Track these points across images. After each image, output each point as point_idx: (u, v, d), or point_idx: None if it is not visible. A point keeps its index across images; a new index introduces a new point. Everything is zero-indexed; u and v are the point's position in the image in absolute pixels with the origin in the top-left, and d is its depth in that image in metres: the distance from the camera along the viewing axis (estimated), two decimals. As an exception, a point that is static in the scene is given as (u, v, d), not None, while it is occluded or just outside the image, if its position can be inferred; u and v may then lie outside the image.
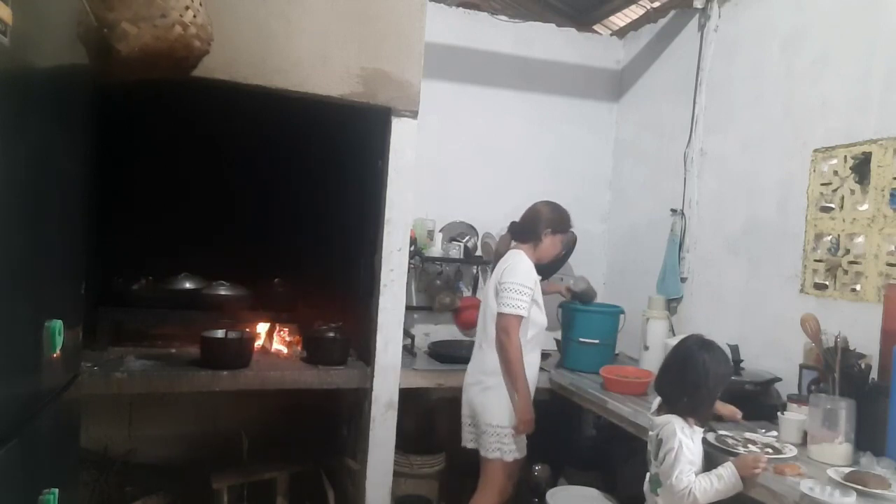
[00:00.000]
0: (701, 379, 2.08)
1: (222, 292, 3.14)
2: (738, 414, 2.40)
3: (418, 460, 3.37)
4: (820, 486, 1.81)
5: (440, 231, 3.80)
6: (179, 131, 3.17)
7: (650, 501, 2.18)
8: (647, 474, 2.23)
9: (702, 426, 2.16)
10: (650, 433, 2.18)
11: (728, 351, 2.41)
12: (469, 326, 3.86)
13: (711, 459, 2.11)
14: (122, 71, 2.14)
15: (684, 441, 2.03)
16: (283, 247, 3.38)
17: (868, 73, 2.53)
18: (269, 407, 3.34)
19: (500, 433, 2.71)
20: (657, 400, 2.25)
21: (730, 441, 2.19)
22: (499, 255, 2.98)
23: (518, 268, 2.74)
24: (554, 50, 4.07)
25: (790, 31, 2.93)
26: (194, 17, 2.20)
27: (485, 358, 2.80)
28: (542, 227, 2.87)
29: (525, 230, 2.91)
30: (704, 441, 2.13)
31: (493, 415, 2.72)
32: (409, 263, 3.11)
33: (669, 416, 2.11)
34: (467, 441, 2.86)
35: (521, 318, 2.68)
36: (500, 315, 2.68)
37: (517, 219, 2.97)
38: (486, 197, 3.96)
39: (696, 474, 2.02)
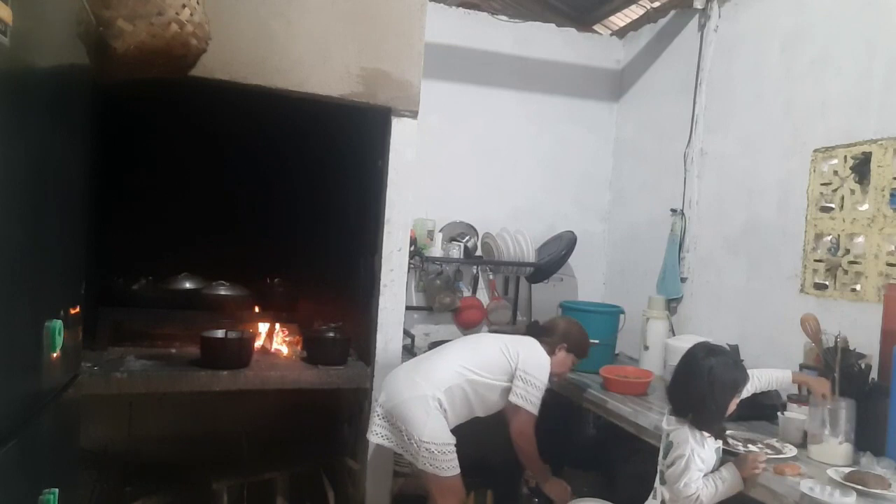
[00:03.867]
0: (706, 390, 2.00)
1: (222, 292, 3.13)
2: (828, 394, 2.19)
3: (418, 460, 3.37)
4: (820, 486, 1.81)
5: (440, 231, 3.80)
6: (180, 131, 3.17)
7: (657, 490, 2.17)
8: (658, 466, 2.21)
9: (716, 438, 2.07)
10: (664, 426, 2.14)
11: (735, 357, 2.39)
12: (469, 326, 3.87)
13: (718, 462, 2.10)
14: (119, 69, 2.13)
15: (696, 449, 1.99)
16: (283, 247, 3.38)
17: (868, 73, 2.53)
18: (269, 407, 3.34)
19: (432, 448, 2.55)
20: None
21: (730, 441, 2.18)
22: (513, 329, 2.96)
23: (544, 366, 2.67)
24: (554, 50, 4.07)
25: (790, 30, 2.93)
26: (191, 15, 2.20)
27: (437, 367, 2.63)
28: (559, 339, 2.79)
29: (544, 334, 2.81)
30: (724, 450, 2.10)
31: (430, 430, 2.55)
32: (409, 263, 3.11)
33: (683, 420, 2.06)
34: (377, 435, 2.62)
35: (534, 417, 2.64)
36: (520, 410, 2.61)
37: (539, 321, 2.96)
38: (486, 197, 3.96)
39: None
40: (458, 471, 2.53)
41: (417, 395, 2.53)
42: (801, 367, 2.53)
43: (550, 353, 2.75)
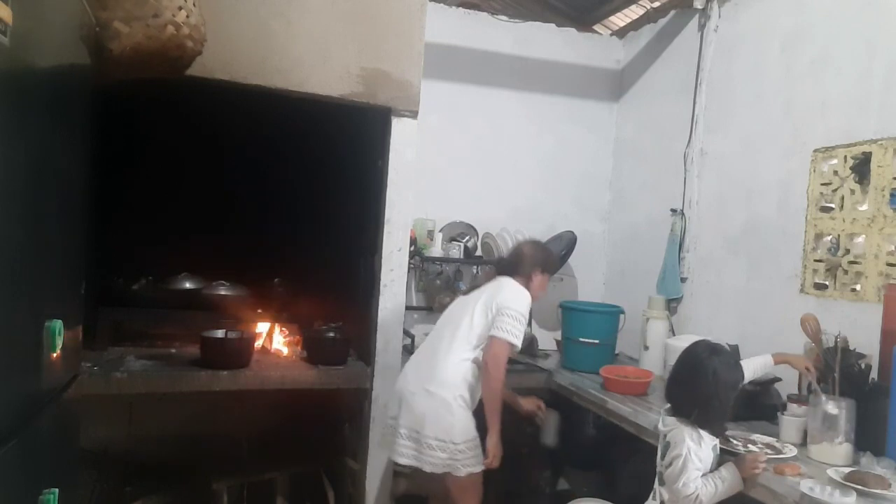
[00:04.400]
0: (711, 389, 2.01)
1: (222, 292, 3.14)
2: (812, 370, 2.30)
3: (418, 460, 3.36)
4: (820, 486, 1.81)
5: (440, 231, 3.80)
6: (180, 131, 3.17)
7: (657, 492, 2.17)
8: (657, 466, 2.21)
9: (716, 437, 2.08)
10: (661, 427, 2.14)
11: (736, 355, 2.39)
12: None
13: (715, 461, 2.10)
14: (115, 70, 2.13)
15: (692, 448, 1.99)
16: (283, 247, 3.38)
17: (868, 73, 2.53)
18: (270, 407, 3.33)
19: (463, 450, 2.50)
20: None
21: (730, 441, 2.18)
22: (483, 281, 2.82)
23: (521, 297, 2.61)
24: (554, 50, 4.07)
25: (790, 30, 2.93)
26: (187, 17, 2.20)
27: (445, 367, 2.56)
28: (529, 266, 2.73)
29: (513, 267, 2.75)
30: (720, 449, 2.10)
31: (455, 431, 2.49)
32: (409, 263, 3.11)
33: (681, 420, 2.06)
34: (405, 456, 2.54)
35: (513, 347, 2.57)
36: (495, 339, 2.52)
37: (504, 254, 2.85)
38: (486, 197, 3.96)
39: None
40: (482, 466, 2.53)
41: (442, 404, 2.49)
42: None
43: (527, 283, 2.70)
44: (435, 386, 2.52)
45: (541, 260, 2.78)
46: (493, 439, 2.52)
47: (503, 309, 2.55)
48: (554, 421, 2.96)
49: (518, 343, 2.56)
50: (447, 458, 2.46)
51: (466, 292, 2.85)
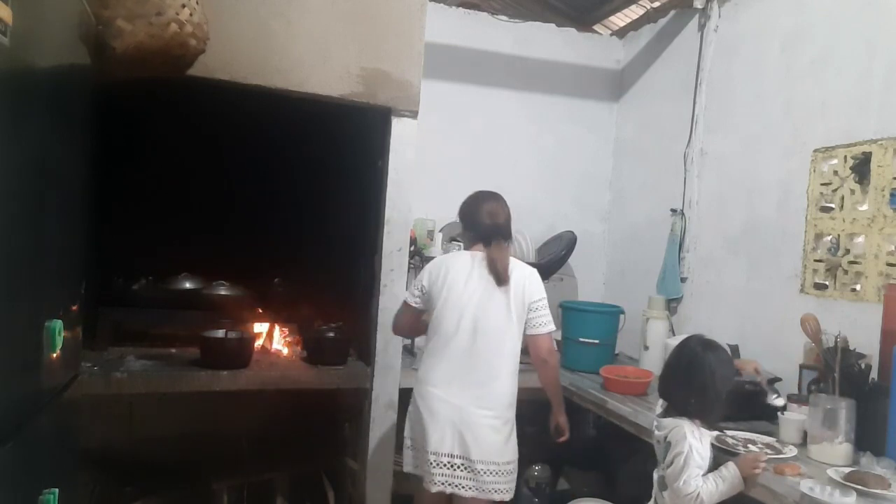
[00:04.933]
0: (707, 380, 2.04)
1: (222, 292, 3.14)
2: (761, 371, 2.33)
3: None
4: (820, 486, 1.81)
5: (440, 231, 3.80)
6: (179, 131, 3.17)
7: (658, 499, 2.17)
8: (655, 473, 2.21)
9: (710, 429, 2.11)
10: (656, 433, 2.15)
11: (728, 351, 2.40)
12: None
13: (711, 459, 2.10)
14: (117, 69, 2.13)
15: (694, 445, 1.99)
16: (283, 247, 3.38)
17: (868, 73, 2.53)
18: (269, 407, 3.33)
19: (515, 468, 2.42)
20: (661, 401, 2.23)
21: (730, 441, 2.18)
22: (505, 265, 2.43)
23: (540, 282, 2.49)
24: (554, 50, 4.07)
25: (790, 30, 2.93)
26: (190, 15, 2.20)
27: (503, 387, 2.40)
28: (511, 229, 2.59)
29: (507, 235, 2.54)
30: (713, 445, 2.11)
31: (508, 451, 2.40)
32: (409, 263, 3.11)
33: (678, 419, 2.06)
34: (462, 488, 2.33)
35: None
36: (541, 336, 2.43)
37: (497, 221, 2.53)
38: (486, 197, 3.95)
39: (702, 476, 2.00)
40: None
41: (505, 425, 2.39)
42: (801, 367, 2.54)
43: (509, 249, 2.53)
44: (495, 408, 2.37)
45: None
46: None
47: (535, 304, 2.43)
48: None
49: (554, 327, 2.52)
50: (510, 481, 2.38)
51: (468, 274, 2.46)
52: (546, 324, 2.44)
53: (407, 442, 2.48)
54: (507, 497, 2.39)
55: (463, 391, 2.36)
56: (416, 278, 2.56)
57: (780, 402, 2.39)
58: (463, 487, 2.33)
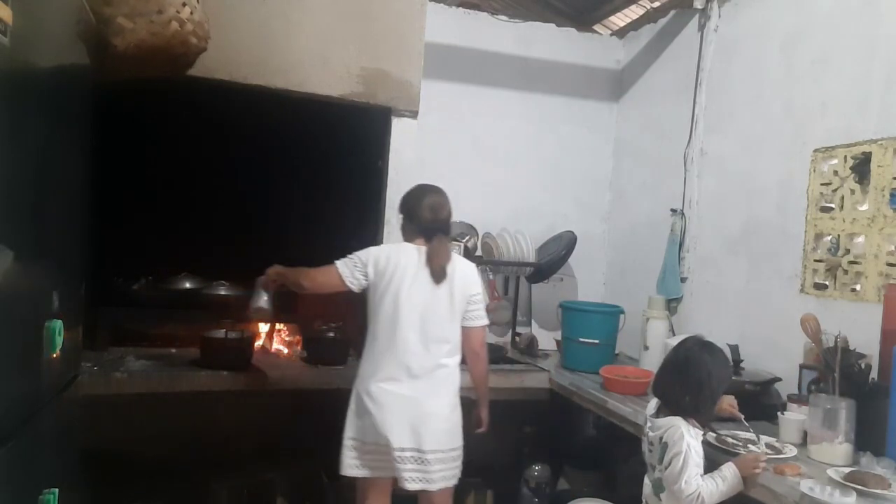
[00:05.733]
0: (704, 378, 2.05)
1: (222, 292, 3.13)
2: (736, 407, 2.32)
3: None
4: (820, 486, 1.81)
5: (440, 231, 3.79)
6: (179, 132, 3.17)
7: (651, 502, 2.16)
8: (646, 478, 2.20)
9: (703, 428, 2.12)
10: (650, 434, 2.14)
11: (728, 351, 2.40)
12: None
13: (711, 459, 2.10)
14: (119, 67, 2.13)
15: (692, 444, 1.99)
16: (284, 247, 3.37)
17: (868, 73, 2.53)
18: (269, 407, 3.33)
19: (461, 453, 2.43)
20: (653, 401, 2.22)
21: (730, 441, 2.19)
22: (446, 260, 2.44)
23: (477, 274, 2.54)
24: (554, 50, 4.07)
25: (790, 31, 2.93)
26: (191, 13, 2.20)
27: (451, 377, 2.43)
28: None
29: (447, 229, 2.54)
30: (704, 443, 2.11)
31: (458, 435, 2.43)
32: (409, 263, 3.10)
33: (673, 418, 2.06)
34: (410, 481, 2.32)
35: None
36: (475, 329, 2.48)
37: (436, 216, 2.49)
38: (486, 197, 3.96)
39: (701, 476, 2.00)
40: None
41: (454, 411, 2.42)
42: (801, 367, 2.53)
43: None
44: (445, 396, 2.41)
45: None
46: (487, 410, 2.62)
47: (473, 297, 2.47)
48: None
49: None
50: (456, 467, 2.41)
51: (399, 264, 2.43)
52: (481, 317, 2.50)
53: (348, 442, 2.43)
54: (453, 483, 2.41)
55: (413, 383, 2.36)
56: (358, 259, 2.43)
57: (751, 436, 2.26)
58: (411, 480, 2.33)
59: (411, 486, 2.33)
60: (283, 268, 2.57)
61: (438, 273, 2.39)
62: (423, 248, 2.43)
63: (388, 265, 2.41)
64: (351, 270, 2.44)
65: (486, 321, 2.53)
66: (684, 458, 1.97)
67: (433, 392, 2.38)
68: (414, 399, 2.35)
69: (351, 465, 2.42)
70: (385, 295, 2.40)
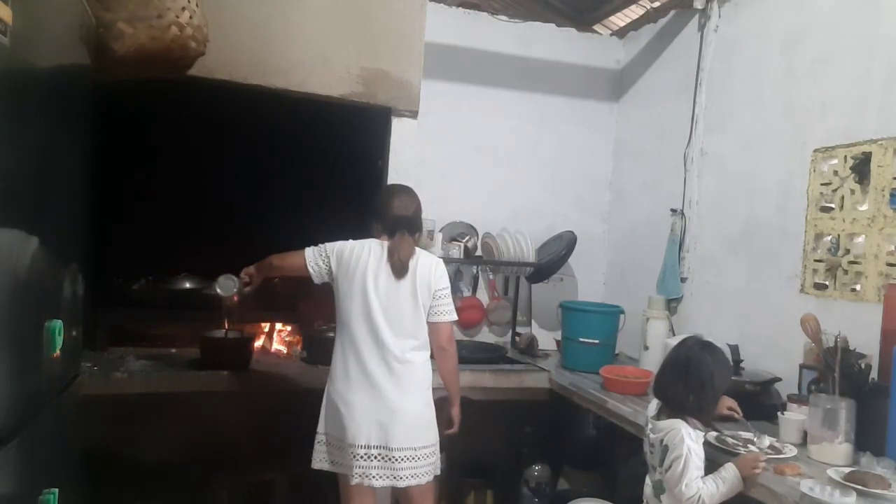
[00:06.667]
0: (707, 378, 2.06)
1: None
2: (736, 407, 2.34)
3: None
4: (820, 486, 1.81)
5: (440, 231, 3.80)
6: (179, 132, 3.17)
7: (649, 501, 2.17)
8: (647, 479, 2.20)
9: (704, 428, 2.12)
10: (651, 436, 2.14)
11: (728, 351, 2.40)
12: (469, 326, 3.88)
13: (711, 459, 2.10)
14: (117, 70, 2.14)
15: (693, 447, 1.99)
16: (284, 247, 3.37)
17: (868, 73, 2.53)
18: (269, 407, 3.33)
19: (435, 451, 2.42)
20: (654, 403, 2.22)
21: (730, 441, 2.19)
22: (410, 257, 2.43)
23: (444, 270, 2.50)
24: (554, 50, 4.07)
25: (790, 31, 2.93)
26: (190, 17, 2.20)
27: (418, 372, 2.42)
28: (421, 221, 2.63)
29: (415, 227, 2.55)
30: (705, 443, 2.11)
31: (431, 432, 2.43)
32: (409, 263, 3.10)
33: (674, 420, 2.06)
34: (376, 478, 2.33)
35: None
36: (442, 324, 2.45)
37: (405, 213, 2.51)
38: (486, 197, 3.96)
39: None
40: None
41: (426, 407, 2.41)
42: (801, 367, 2.53)
43: (418, 241, 2.55)
44: (413, 392, 2.39)
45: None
46: (458, 408, 2.58)
47: (439, 291, 2.45)
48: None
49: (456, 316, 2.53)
50: (436, 461, 2.41)
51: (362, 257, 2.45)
52: (448, 312, 2.47)
53: (320, 438, 2.45)
54: (425, 480, 2.37)
55: (378, 380, 2.36)
56: (324, 249, 2.48)
57: (751, 436, 2.26)
58: (377, 478, 2.33)
59: (377, 483, 2.33)
60: (254, 265, 2.64)
61: (398, 268, 2.40)
62: (387, 244, 2.45)
63: (352, 259, 2.43)
64: (315, 258, 2.48)
65: (453, 317, 2.49)
66: (685, 461, 1.97)
67: (400, 388, 2.37)
68: (379, 396, 2.35)
69: (322, 459, 2.44)
70: (349, 289, 2.41)
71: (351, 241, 2.50)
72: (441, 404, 2.55)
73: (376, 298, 2.38)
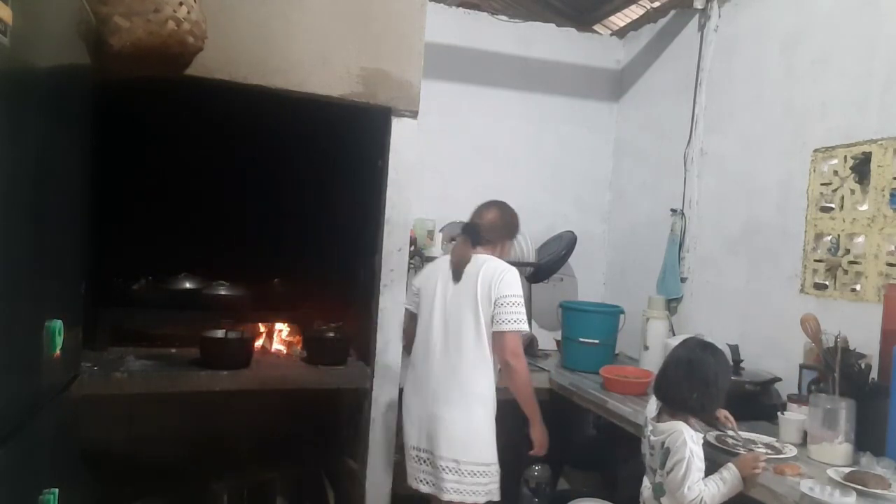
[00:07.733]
0: (710, 377, 2.06)
1: (222, 292, 3.13)
2: (731, 418, 2.30)
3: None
4: (820, 486, 1.81)
5: (440, 231, 3.80)
6: (179, 132, 3.17)
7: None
8: (645, 480, 2.20)
9: (705, 427, 2.12)
10: (652, 438, 2.13)
11: (728, 351, 2.40)
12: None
13: (711, 459, 2.09)
14: (115, 66, 2.12)
15: (695, 450, 1.99)
16: (283, 247, 3.38)
17: (868, 73, 2.53)
18: (269, 407, 3.33)
19: (488, 472, 2.35)
20: (654, 403, 2.21)
21: (730, 441, 2.18)
22: (464, 260, 2.48)
23: (514, 278, 2.41)
24: (554, 50, 4.07)
25: (790, 31, 2.93)
26: (188, 12, 2.19)
27: (469, 382, 2.39)
28: (506, 232, 2.62)
29: (493, 234, 2.56)
30: (705, 443, 2.11)
31: (485, 452, 2.37)
32: (409, 263, 3.11)
33: (675, 423, 2.05)
34: (423, 482, 2.39)
35: (524, 333, 2.44)
36: (508, 333, 2.35)
37: (473, 220, 2.61)
38: (486, 197, 3.93)
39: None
40: None
41: (483, 422, 2.38)
42: (801, 367, 2.53)
43: (502, 253, 2.55)
44: (460, 402, 2.36)
45: (512, 226, 2.66)
46: (539, 427, 2.49)
47: (501, 298, 2.36)
48: None
49: (527, 328, 2.43)
50: (490, 483, 2.35)
51: (432, 273, 2.58)
52: (510, 321, 2.34)
53: (407, 452, 2.52)
54: (471, 500, 2.31)
55: (431, 386, 2.43)
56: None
57: (750, 436, 2.27)
58: (424, 482, 2.39)
59: (424, 487, 2.39)
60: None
61: (454, 273, 2.48)
62: None
63: (423, 276, 2.62)
64: (407, 297, 2.73)
65: (516, 327, 2.35)
66: (687, 464, 1.96)
67: (445, 397, 2.38)
68: (425, 401, 2.42)
69: (409, 475, 2.50)
70: (421, 302, 2.57)
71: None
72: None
73: (441, 307, 2.47)
